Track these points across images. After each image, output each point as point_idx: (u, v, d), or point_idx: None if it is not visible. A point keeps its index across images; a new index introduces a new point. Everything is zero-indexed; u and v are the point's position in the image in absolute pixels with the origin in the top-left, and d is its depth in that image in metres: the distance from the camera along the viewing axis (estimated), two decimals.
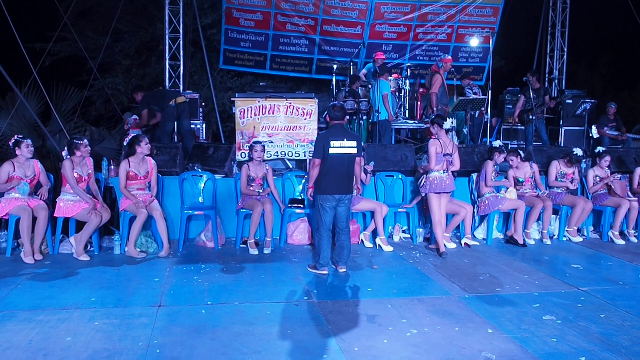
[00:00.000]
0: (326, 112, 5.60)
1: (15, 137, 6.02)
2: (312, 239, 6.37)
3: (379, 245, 6.48)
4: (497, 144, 7.09)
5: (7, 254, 5.91)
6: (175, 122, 8.43)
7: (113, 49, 12.33)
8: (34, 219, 5.82)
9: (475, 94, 9.48)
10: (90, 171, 6.10)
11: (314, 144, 5.58)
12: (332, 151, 5.26)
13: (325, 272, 5.42)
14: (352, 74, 10.37)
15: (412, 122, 10.06)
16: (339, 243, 5.57)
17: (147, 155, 6.23)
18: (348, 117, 8.72)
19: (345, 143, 5.30)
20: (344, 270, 5.50)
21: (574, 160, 7.19)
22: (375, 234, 6.59)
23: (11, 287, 4.85)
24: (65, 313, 4.22)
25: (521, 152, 7.15)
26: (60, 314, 4.19)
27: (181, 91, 10.38)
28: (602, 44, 16.53)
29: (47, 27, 10.71)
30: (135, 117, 9.07)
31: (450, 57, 9.52)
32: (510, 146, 9.93)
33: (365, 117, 9.41)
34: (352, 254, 6.17)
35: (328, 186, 5.34)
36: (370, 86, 9.56)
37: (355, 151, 5.38)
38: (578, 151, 7.25)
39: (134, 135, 6.28)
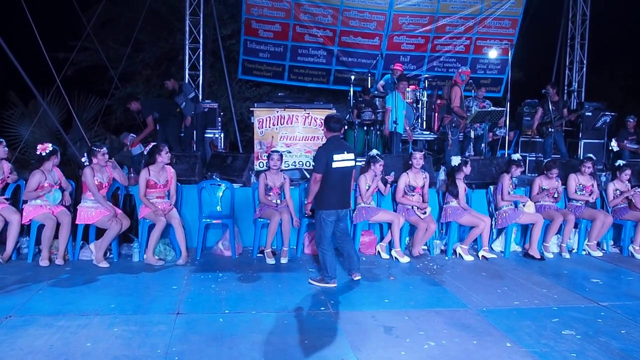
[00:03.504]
0: (325, 123, 5.42)
1: (51, 146, 6.10)
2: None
3: (395, 256, 6.47)
4: (516, 156, 7.05)
5: (29, 259, 5.99)
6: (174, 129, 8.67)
7: (134, 59, 12.52)
8: (57, 225, 5.92)
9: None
10: (109, 177, 6.20)
11: (316, 157, 5.34)
12: (335, 165, 5.18)
13: (334, 285, 5.36)
14: (369, 85, 10.40)
15: (429, 133, 10.06)
16: (345, 252, 5.56)
17: (167, 164, 6.29)
18: (345, 128, 8.83)
19: (346, 156, 5.27)
20: (358, 277, 5.50)
21: (586, 160, 7.16)
22: (392, 245, 6.58)
23: (32, 292, 4.92)
24: (85, 319, 4.28)
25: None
26: (80, 320, 4.25)
27: (200, 100, 10.49)
28: (621, 55, 16.38)
29: (70, 36, 10.91)
30: (132, 135, 9.08)
31: (468, 69, 9.48)
32: (528, 158, 9.89)
33: (383, 128, 9.42)
34: (369, 265, 6.21)
35: (332, 201, 5.26)
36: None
37: (353, 163, 5.39)
38: (589, 155, 7.34)
39: (154, 144, 6.35)
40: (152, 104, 8.79)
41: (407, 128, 8.91)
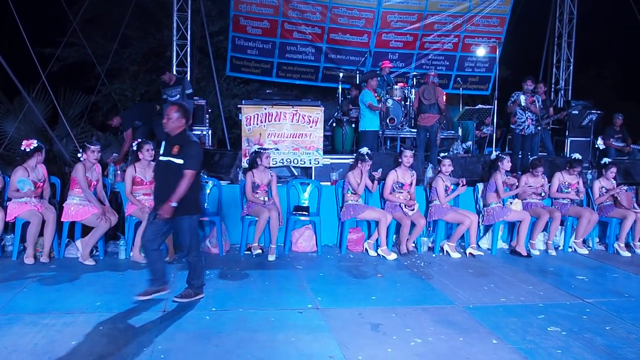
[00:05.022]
0: (182, 114, 4.64)
1: (36, 142, 6.04)
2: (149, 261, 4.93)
3: (382, 254, 6.48)
4: (494, 155, 7.12)
5: (13, 257, 5.93)
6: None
7: (120, 55, 12.39)
8: (42, 223, 5.87)
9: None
10: (98, 176, 6.15)
11: (192, 151, 4.55)
12: None
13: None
14: (357, 82, 10.39)
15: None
16: (201, 264, 4.86)
17: (153, 161, 6.25)
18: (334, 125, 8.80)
19: None
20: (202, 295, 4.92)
21: (575, 164, 7.19)
22: (379, 242, 6.59)
23: (17, 290, 4.87)
24: (70, 317, 4.24)
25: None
26: (65, 318, 4.21)
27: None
28: (608, 54, 16.50)
29: (56, 32, 10.78)
30: (115, 154, 8.84)
31: (435, 72, 9.46)
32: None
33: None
34: (356, 262, 6.24)
35: (200, 202, 4.86)
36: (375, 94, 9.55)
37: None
38: (576, 155, 7.37)
39: (140, 140, 6.32)
40: (131, 114, 8.67)
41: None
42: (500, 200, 6.90)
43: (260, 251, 6.26)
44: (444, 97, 8.77)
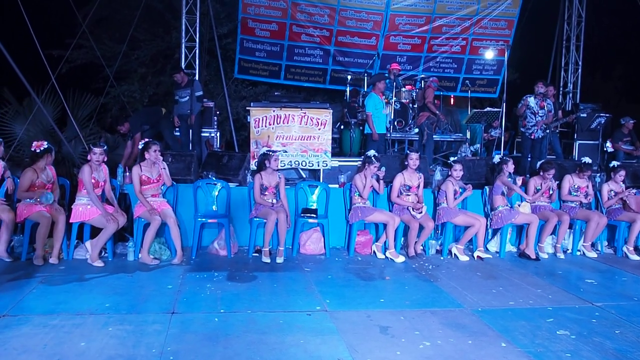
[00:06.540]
0: None
1: (46, 144, 6.08)
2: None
3: (390, 257, 6.47)
4: (497, 158, 7.10)
5: (22, 258, 5.95)
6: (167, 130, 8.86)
7: (129, 57, 12.46)
8: (51, 224, 5.89)
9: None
10: (105, 177, 6.17)
11: None
12: None
13: None
14: (365, 85, 10.39)
15: None
16: None
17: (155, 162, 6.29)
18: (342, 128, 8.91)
19: None
20: None
21: (585, 168, 7.16)
22: (387, 245, 6.58)
23: (26, 291, 4.89)
24: (79, 318, 4.26)
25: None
26: (74, 319, 4.22)
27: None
28: (616, 57, 16.43)
29: (65, 34, 10.86)
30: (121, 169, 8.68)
31: (435, 78, 10.00)
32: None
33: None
34: (364, 265, 6.21)
35: None
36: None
37: None
38: (586, 159, 7.32)
39: (147, 140, 6.35)
40: (139, 118, 8.75)
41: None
42: (507, 203, 6.88)
43: (268, 259, 6.25)
44: (430, 96, 9.20)
